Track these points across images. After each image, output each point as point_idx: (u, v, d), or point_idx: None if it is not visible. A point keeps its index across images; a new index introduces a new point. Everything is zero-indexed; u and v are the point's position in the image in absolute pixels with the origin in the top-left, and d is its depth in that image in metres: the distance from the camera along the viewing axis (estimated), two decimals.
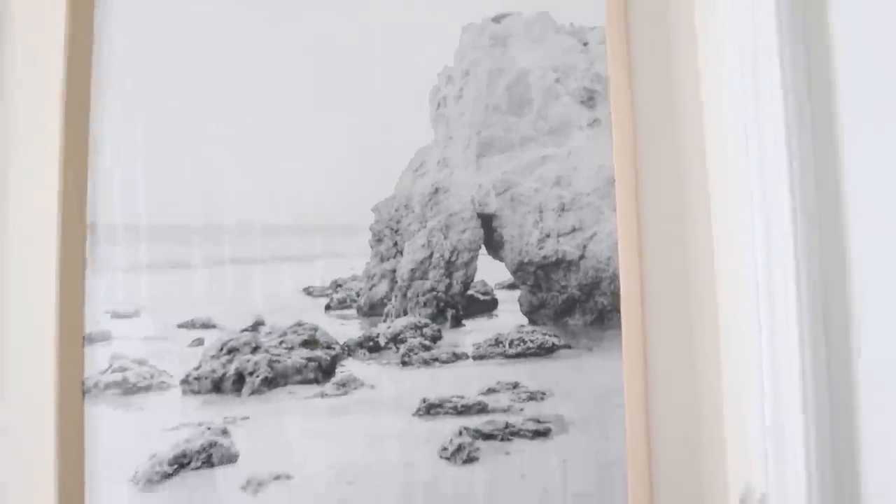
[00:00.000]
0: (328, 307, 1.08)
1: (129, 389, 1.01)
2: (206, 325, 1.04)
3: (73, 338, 0.97)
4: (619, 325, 1.07)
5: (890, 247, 0.87)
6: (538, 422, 1.07)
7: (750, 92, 0.97)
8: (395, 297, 1.11)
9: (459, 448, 1.06)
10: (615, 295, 1.08)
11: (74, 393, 0.98)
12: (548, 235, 1.13)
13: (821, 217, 0.97)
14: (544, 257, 1.13)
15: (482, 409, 1.07)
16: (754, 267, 0.99)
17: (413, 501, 1.05)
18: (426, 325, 1.11)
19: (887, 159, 0.86)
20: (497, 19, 1.13)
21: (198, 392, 1.03)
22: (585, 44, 1.13)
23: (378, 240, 1.11)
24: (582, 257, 1.11)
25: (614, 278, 1.09)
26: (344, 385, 1.07)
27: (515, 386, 1.08)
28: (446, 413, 1.07)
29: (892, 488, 0.88)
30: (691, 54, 1.08)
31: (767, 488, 0.94)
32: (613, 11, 1.09)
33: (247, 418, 1.03)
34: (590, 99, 1.13)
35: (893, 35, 0.86)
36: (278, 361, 1.05)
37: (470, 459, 1.06)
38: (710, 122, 1.05)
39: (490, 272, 1.13)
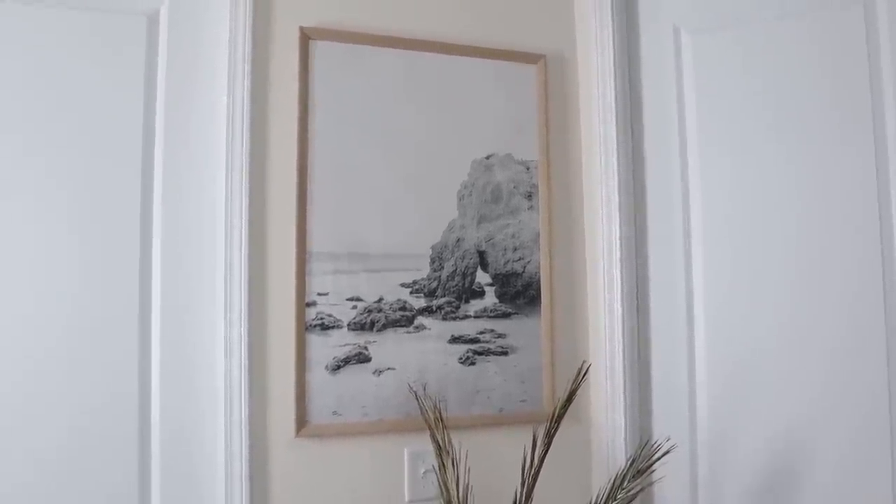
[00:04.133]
0: (411, 292, 1.61)
1: (324, 327, 1.53)
2: (358, 299, 1.56)
3: (301, 304, 1.52)
4: (539, 304, 1.72)
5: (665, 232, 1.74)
6: (502, 347, 1.68)
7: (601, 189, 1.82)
8: (440, 288, 1.63)
9: (467, 358, 1.65)
10: (538, 290, 1.72)
11: (302, 329, 1.52)
12: (508, 261, 1.70)
13: (636, 267, 1.80)
14: (507, 271, 1.70)
15: (477, 340, 1.66)
16: (600, 273, 1.80)
17: (446, 381, 1.61)
18: (453, 302, 1.65)
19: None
20: (487, 157, 1.70)
21: (354, 329, 1.55)
22: (528, 168, 1.73)
23: (433, 261, 1.63)
24: (524, 271, 1.71)
25: (539, 282, 1.72)
26: (417, 328, 1.61)
27: (492, 331, 1.67)
28: (462, 342, 1.64)
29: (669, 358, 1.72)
30: (579, 175, 1.84)
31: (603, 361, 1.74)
32: (541, 155, 1.76)
33: (375, 342, 1.57)
34: (529, 196, 1.73)
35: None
36: (389, 316, 1.59)
37: (472, 363, 1.65)
38: (586, 206, 1.84)
39: (482, 278, 1.68)
